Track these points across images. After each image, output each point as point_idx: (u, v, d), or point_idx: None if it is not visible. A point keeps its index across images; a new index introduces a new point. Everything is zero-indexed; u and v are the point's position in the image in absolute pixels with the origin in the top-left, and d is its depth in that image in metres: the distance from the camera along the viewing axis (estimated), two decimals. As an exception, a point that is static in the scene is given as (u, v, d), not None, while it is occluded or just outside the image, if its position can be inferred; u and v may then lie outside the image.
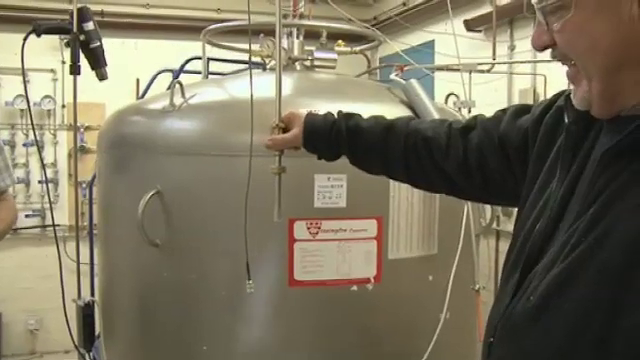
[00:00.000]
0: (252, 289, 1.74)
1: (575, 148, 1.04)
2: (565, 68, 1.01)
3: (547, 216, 1.04)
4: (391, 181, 2.03)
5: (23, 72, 2.34)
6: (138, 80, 4.18)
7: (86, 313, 2.74)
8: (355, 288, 2.05)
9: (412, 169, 1.46)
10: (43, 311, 5.38)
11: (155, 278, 2.20)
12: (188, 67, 3.66)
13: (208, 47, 2.87)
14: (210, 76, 3.29)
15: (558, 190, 1.04)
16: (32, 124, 3.09)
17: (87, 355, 2.81)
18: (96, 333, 2.87)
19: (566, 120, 1.07)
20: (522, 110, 1.31)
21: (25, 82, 2.41)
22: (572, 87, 1.02)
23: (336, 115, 1.55)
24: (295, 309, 2.06)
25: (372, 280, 2.06)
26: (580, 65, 0.96)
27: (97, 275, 2.87)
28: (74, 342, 2.91)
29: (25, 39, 2.35)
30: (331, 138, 1.51)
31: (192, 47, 3.60)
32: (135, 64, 5.07)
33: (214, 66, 3.53)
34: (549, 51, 1.01)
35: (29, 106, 2.75)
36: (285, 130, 1.58)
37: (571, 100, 1.02)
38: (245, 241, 1.71)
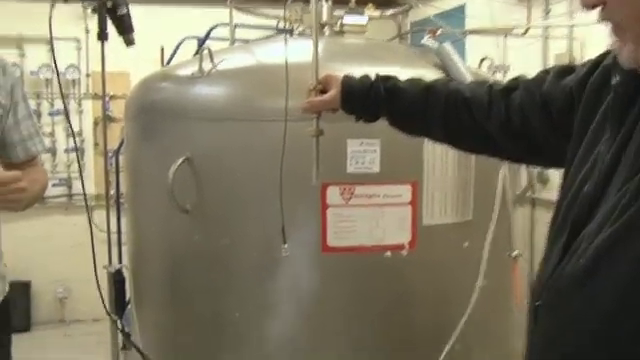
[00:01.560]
0: (287, 252, 1.76)
1: (623, 109, 1.02)
2: (607, 30, 0.99)
3: (595, 178, 1.02)
4: (425, 145, 2.06)
5: (51, 39, 2.34)
6: (162, 48, 4.17)
7: (117, 279, 2.79)
8: (389, 254, 2.07)
9: (452, 129, 1.45)
10: (71, 280, 5.46)
11: (185, 244, 2.23)
12: (212, 34, 3.65)
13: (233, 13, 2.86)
14: (236, 43, 3.28)
15: (606, 152, 1.03)
16: (61, 92, 3.11)
17: (119, 321, 2.86)
18: (126, 300, 2.92)
19: (613, 81, 1.05)
20: (566, 70, 1.28)
21: (53, 50, 2.41)
22: (617, 47, 1.00)
23: (373, 77, 1.54)
24: (328, 275, 2.08)
25: (406, 246, 2.07)
26: (628, 26, 0.94)
27: (125, 244, 2.92)
28: (106, 309, 2.96)
29: (53, 5, 2.35)
30: (369, 99, 1.51)
31: (216, 14, 3.57)
32: (159, 32, 5.05)
33: (238, 33, 3.51)
34: (586, 15, 0.99)
35: (58, 74, 2.76)
36: (322, 92, 1.58)
37: (619, 60, 1.00)
38: (281, 203, 1.72)
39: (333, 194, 2.01)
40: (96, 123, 5.53)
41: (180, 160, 2.10)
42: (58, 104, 5.36)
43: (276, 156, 1.94)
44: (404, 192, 2.06)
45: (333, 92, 1.55)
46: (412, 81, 1.52)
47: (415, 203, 2.07)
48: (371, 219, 2.04)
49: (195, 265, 2.23)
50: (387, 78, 1.53)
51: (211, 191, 2.13)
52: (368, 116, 1.57)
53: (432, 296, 2.15)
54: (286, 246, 1.76)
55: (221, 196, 2.13)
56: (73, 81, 5.55)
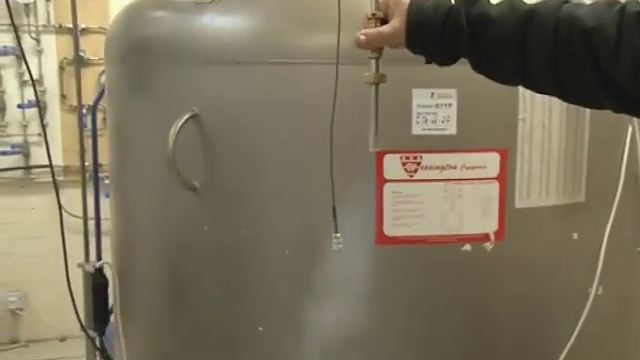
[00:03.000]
0: (340, 244, 1.81)
1: None
2: None
3: None
4: (521, 99, 2.09)
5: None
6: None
7: (97, 282, 2.90)
8: (468, 248, 2.12)
9: (564, 75, 1.43)
10: (29, 284, 5.50)
11: (192, 234, 2.30)
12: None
13: None
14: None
15: None
16: (12, 21, 3.09)
17: (98, 339, 2.94)
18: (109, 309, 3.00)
19: None
20: None
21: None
22: None
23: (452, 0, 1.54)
24: (385, 277, 2.15)
25: (492, 237, 2.11)
26: None
27: (106, 233, 3.02)
28: (81, 323, 3.06)
29: None
30: (446, 32, 1.51)
31: None
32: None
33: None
34: None
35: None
36: (383, 22, 1.59)
37: None
38: (331, 176, 1.76)
39: (392, 165, 2.06)
40: (62, 68, 5.58)
41: (184, 119, 2.16)
42: (6, 39, 5.36)
43: (315, 112, 2.03)
44: (490, 163, 2.09)
45: (396, 22, 1.55)
46: (508, 5, 1.49)
47: (504, 178, 2.10)
48: (444, 200, 2.08)
49: (204, 263, 2.31)
50: (472, 1, 1.51)
51: (226, 161, 2.20)
52: (443, 57, 1.57)
53: (527, 305, 2.20)
54: (339, 236, 1.80)
55: (239, 168, 2.20)
56: (26, 7, 5.50)
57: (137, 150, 2.51)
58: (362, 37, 1.58)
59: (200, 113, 2.19)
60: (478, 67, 1.55)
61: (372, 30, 1.58)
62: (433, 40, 1.53)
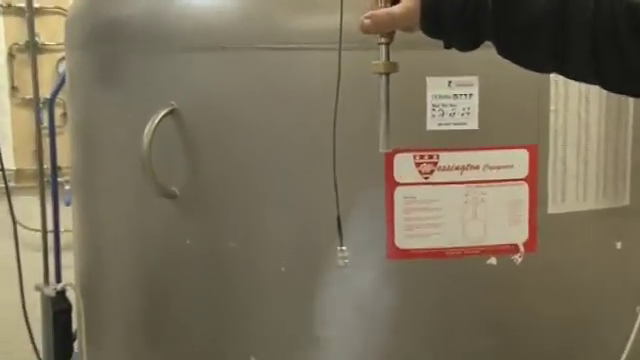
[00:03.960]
0: (347, 260, 1.79)
1: None
2: None
3: None
4: (553, 87, 2.10)
5: None
6: None
7: (59, 308, 2.92)
8: (493, 261, 2.13)
9: (606, 58, 1.42)
10: None
11: (172, 249, 2.32)
12: None
13: None
14: None
15: None
16: None
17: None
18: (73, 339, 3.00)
19: None
20: None
21: None
22: None
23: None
24: (397, 296, 2.15)
25: (521, 249, 2.13)
26: None
27: (67, 249, 3.05)
28: (38, 356, 3.06)
29: None
30: (467, 12, 1.50)
31: None
32: None
33: None
34: None
35: None
36: (393, 1, 1.55)
37: None
38: (334, 180, 1.72)
39: (404, 166, 2.07)
40: (11, 55, 5.59)
41: (161, 114, 2.18)
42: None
43: (314, 106, 2.04)
44: (518, 162, 2.10)
45: (408, 1, 1.53)
46: None
47: (535, 179, 2.12)
48: (465, 205, 2.10)
49: (186, 282, 2.32)
50: None
51: (211, 163, 2.22)
52: (465, 40, 1.55)
53: (563, 326, 2.20)
54: (344, 249, 1.78)
55: (226, 171, 2.21)
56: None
57: (105, 151, 2.53)
58: (367, 21, 1.55)
59: (180, 107, 2.21)
60: (505, 51, 1.53)
61: (380, 11, 1.54)
62: (453, 21, 1.50)
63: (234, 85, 2.18)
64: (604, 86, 1.52)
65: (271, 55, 2.11)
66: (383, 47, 1.57)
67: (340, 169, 1.76)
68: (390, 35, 1.57)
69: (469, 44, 1.55)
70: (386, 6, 1.54)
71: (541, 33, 1.46)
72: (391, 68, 1.57)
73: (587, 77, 1.52)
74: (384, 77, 1.57)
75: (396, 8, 1.53)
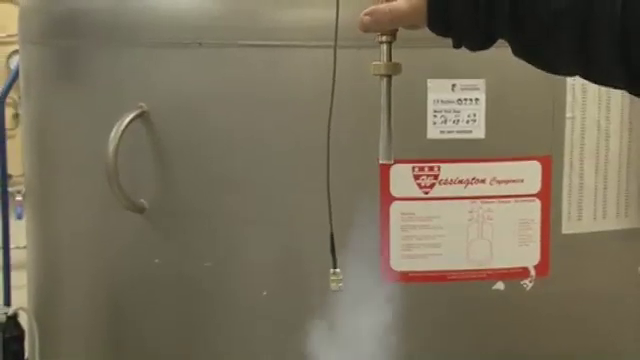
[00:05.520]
0: (340, 283, 1.71)
1: None
2: None
3: None
4: (569, 92, 2.05)
5: None
6: None
7: (9, 335, 2.87)
8: (501, 287, 2.07)
9: (635, 60, 1.40)
10: None
11: (139, 269, 2.26)
12: None
13: None
14: None
15: None
16: None
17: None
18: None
19: None
20: None
21: None
22: None
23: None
24: (393, 323, 2.04)
25: (532, 272, 2.08)
26: None
27: (18, 268, 3.04)
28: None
29: None
30: (479, 8, 1.46)
31: None
32: None
33: None
34: None
35: None
36: None
37: None
38: (328, 195, 1.66)
39: (401, 178, 2.02)
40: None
41: (129, 118, 2.12)
42: None
43: (302, 110, 1.99)
44: (529, 175, 2.06)
45: None
46: None
47: (548, 195, 2.06)
48: (469, 223, 2.05)
49: (155, 306, 2.26)
50: None
51: (184, 173, 2.17)
52: (476, 38, 1.50)
53: (581, 357, 2.15)
54: (338, 272, 1.70)
55: (202, 182, 2.16)
56: None
57: (65, 158, 2.46)
58: (368, 17, 1.50)
59: (150, 110, 2.15)
60: (522, 50, 1.48)
61: (382, 7, 1.50)
62: (464, 17, 1.46)
63: (211, 86, 2.14)
64: (632, 90, 1.46)
65: (254, 53, 2.08)
66: (384, 46, 1.51)
67: (330, 181, 1.69)
68: (392, 33, 1.51)
69: (482, 43, 1.49)
70: (388, 1, 1.49)
71: (564, 29, 1.41)
72: (393, 70, 1.51)
73: (614, 80, 1.44)
74: (385, 79, 1.51)
75: (400, 3, 1.48)
